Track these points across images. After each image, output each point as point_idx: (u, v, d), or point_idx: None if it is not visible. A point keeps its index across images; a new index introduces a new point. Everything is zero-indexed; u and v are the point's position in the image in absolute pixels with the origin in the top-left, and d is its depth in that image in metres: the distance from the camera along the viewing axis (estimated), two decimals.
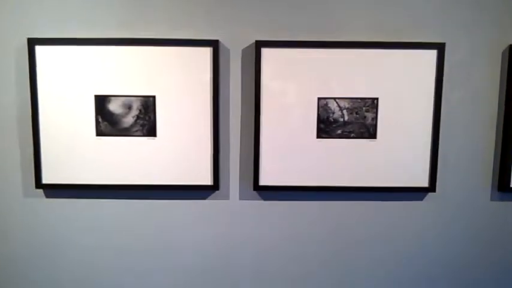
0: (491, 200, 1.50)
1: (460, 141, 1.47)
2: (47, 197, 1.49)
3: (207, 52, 1.40)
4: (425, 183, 1.47)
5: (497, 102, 1.45)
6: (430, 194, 1.49)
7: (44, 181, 1.45)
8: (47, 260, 1.52)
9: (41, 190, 1.48)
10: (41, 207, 1.49)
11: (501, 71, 1.44)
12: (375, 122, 1.43)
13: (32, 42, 1.39)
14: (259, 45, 1.39)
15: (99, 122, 1.43)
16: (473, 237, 1.52)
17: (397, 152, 1.45)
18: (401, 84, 1.42)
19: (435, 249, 1.53)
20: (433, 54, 1.41)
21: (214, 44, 1.39)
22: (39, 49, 1.40)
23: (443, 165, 1.47)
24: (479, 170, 1.49)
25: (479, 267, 1.54)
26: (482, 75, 1.44)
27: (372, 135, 1.44)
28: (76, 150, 1.44)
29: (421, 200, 1.50)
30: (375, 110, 1.43)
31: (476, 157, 1.48)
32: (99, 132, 1.43)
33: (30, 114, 1.42)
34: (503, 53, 1.43)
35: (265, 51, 1.40)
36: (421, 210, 1.50)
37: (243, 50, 1.43)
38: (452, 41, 1.42)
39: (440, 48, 1.41)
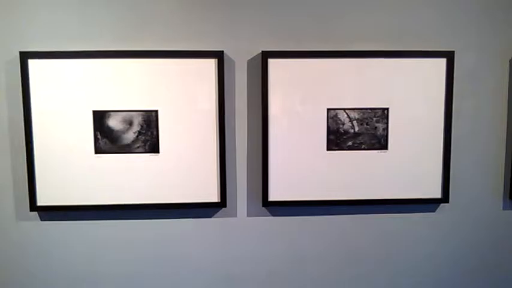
0: (503, 209, 1.48)
1: (471, 150, 1.44)
2: (42, 220, 1.39)
3: (211, 64, 1.34)
4: (438, 194, 1.43)
5: (506, 110, 1.43)
6: (442, 205, 1.46)
7: (39, 203, 1.36)
8: (43, 285, 1.42)
9: (36, 213, 1.39)
10: (36, 231, 1.40)
11: (510, 79, 1.42)
12: (385, 133, 1.39)
13: (24, 56, 1.30)
14: (266, 55, 1.34)
15: (98, 138, 1.35)
16: (488, 247, 1.50)
17: (409, 163, 1.41)
18: (411, 93, 1.39)
19: (449, 260, 1.49)
20: (442, 62, 1.39)
21: (219, 55, 1.34)
22: (32, 63, 1.31)
23: (454, 175, 1.43)
24: (491, 179, 1.46)
25: (495, 277, 1.51)
26: (491, 84, 1.42)
27: (383, 146, 1.40)
28: (73, 170, 1.35)
29: (434, 211, 1.47)
30: (386, 121, 1.39)
31: (487, 166, 1.45)
32: (98, 150, 1.35)
33: (23, 131, 1.33)
34: (511, 61, 1.41)
35: (272, 62, 1.35)
36: (434, 221, 1.47)
37: (249, 61, 1.37)
38: (461, 50, 1.40)
39: (449, 56, 1.38)
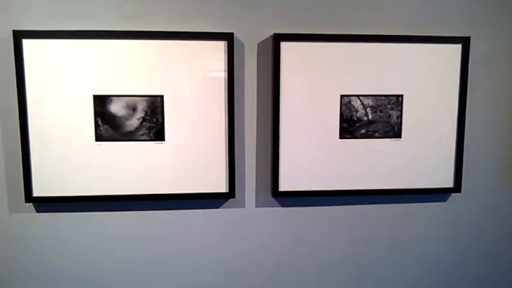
0: None
1: (484, 139, 1.42)
2: (38, 211, 1.31)
3: (220, 46, 1.27)
4: (450, 184, 1.40)
5: None
6: (453, 194, 1.43)
7: (35, 194, 1.27)
8: (39, 282, 1.33)
9: (31, 204, 1.30)
10: (31, 224, 1.31)
11: None
12: (399, 121, 1.35)
13: (19, 35, 1.20)
14: (278, 38, 1.28)
15: (99, 125, 1.26)
16: (500, 237, 1.48)
17: (422, 152, 1.38)
18: (425, 80, 1.35)
19: (459, 250, 1.47)
20: (457, 48, 1.35)
21: (228, 38, 1.26)
22: (27, 43, 1.21)
23: (466, 165, 1.41)
24: (504, 169, 1.44)
25: (507, 268, 1.50)
26: (506, 71, 1.39)
27: (397, 134, 1.36)
28: (72, 158, 1.27)
29: (445, 201, 1.44)
30: (400, 108, 1.35)
31: (501, 155, 1.43)
32: (99, 137, 1.27)
33: (18, 118, 1.23)
34: None
35: (284, 45, 1.29)
36: (445, 211, 1.44)
37: (260, 44, 1.31)
38: (476, 35, 1.36)
39: (465, 42, 1.34)
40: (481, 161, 1.43)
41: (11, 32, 1.20)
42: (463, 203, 1.45)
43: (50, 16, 1.22)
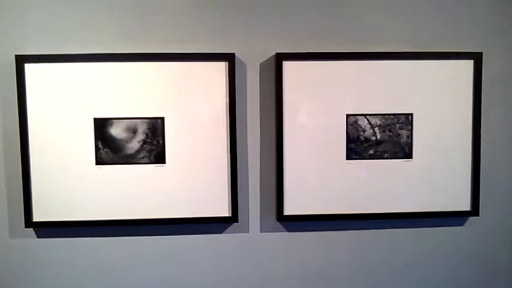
0: None
1: (502, 158, 1.34)
2: (38, 237, 1.28)
3: (221, 67, 1.25)
4: (467, 207, 1.32)
5: None
6: (471, 218, 1.34)
7: (35, 219, 1.25)
8: None
9: (31, 229, 1.27)
10: (31, 250, 1.28)
11: None
12: (410, 140, 1.29)
13: (21, 60, 1.21)
14: (280, 58, 1.25)
15: (100, 148, 1.25)
16: None
17: (435, 173, 1.31)
18: (436, 98, 1.29)
19: (478, 279, 1.37)
20: (469, 64, 1.29)
21: (229, 58, 1.24)
22: (29, 67, 1.22)
23: (484, 186, 1.32)
24: None
25: None
26: None
27: (408, 154, 1.29)
28: (72, 182, 1.25)
29: (462, 225, 1.35)
30: (410, 127, 1.29)
31: None
32: (100, 161, 1.25)
33: (19, 141, 1.22)
34: None
35: (287, 65, 1.26)
36: (463, 236, 1.35)
37: (262, 64, 1.28)
38: (489, 51, 1.30)
39: (477, 58, 1.28)
40: (501, 183, 1.35)
41: (13, 57, 1.20)
42: (482, 228, 1.35)
43: (50, 40, 1.23)
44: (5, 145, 1.25)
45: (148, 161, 1.26)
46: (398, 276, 1.35)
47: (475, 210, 1.32)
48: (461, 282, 1.37)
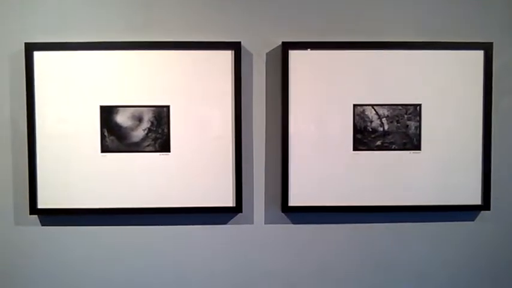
0: None
1: None
2: (42, 224, 1.28)
3: (227, 56, 1.25)
4: (477, 201, 1.28)
5: None
6: (482, 212, 1.31)
7: (40, 206, 1.25)
8: None
9: (36, 216, 1.28)
10: (36, 237, 1.28)
11: None
12: (418, 132, 1.27)
13: (30, 48, 1.23)
14: (287, 47, 1.24)
15: (105, 136, 1.25)
16: None
17: (445, 165, 1.28)
18: (446, 89, 1.27)
19: (489, 274, 1.33)
20: (479, 55, 1.27)
21: (235, 47, 1.24)
22: (37, 55, 1.23)
23: (495, 180, 1.29)
24: None
25: None
26: None
27: (416, 146, 1.27)
28: (78, 169, 1.25)
29: (473, 220, 1.32)
30: (418, 118, 1.26)
31: None
32: (105, 148, 1.25)
33: (26, 128, 1.23)
34: None
35: (293, 54, 1.25)
36: (473, 231, 1.31)
37: (268, 53, 1.27)
38: (499, 41, 1.27)
39: (487, 48, 1.26)
40: (511, 175, 1.31)
41: (23, 45, 1.22)
42: (493, 222, 1.31)
43: (59, 28, 1.24)
44: (12, 134, 1.26)
45: (153, 150, 1.25)
46: (405, 270, 1.32)
47: (486, 205, 1.28)
48: (472, 278, 1.33)
